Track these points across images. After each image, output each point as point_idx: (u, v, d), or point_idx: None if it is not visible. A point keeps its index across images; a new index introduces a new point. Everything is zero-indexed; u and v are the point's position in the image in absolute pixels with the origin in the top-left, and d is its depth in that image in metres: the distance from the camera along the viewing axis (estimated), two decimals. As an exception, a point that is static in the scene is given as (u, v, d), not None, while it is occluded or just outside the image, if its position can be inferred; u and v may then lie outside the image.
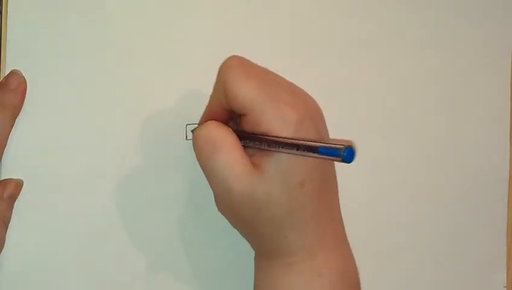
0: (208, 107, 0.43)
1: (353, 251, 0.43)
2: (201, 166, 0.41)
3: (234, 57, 0.41)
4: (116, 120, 0.48)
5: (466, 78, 0.54)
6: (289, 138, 0.38)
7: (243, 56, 0.41)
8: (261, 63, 0.42)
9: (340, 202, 0.43)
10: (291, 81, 0.42)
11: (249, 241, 0.43)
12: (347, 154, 0.34)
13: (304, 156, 0.38)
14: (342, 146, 0.35)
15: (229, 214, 0.42)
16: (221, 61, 0.41)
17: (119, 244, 0.48)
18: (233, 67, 0.40)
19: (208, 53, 0.48)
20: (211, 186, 0.41)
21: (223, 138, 0.40)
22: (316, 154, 0.36)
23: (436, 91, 0.54)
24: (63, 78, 0.47)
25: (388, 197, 0.53)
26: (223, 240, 0.49)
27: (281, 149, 0.38)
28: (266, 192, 0.39)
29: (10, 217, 0.46)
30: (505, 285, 0.55)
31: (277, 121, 0.39)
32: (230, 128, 0.41)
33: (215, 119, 0.42)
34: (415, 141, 0.53)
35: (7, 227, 0.45)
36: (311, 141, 0.37)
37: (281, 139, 0.38)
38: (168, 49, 0.49)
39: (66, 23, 0.47)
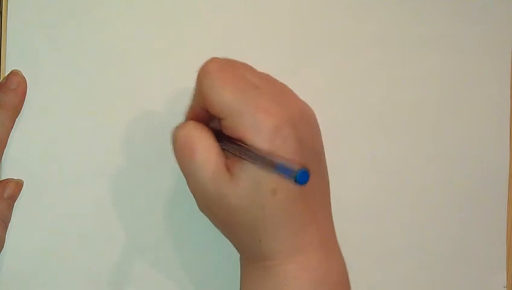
0: (190, 108, 0.43)
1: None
2: (179, 166, 0.41)
3: (213, 60, 0.40)
4: (116, 120, 0.48)
5: (466, 77, 0.54)
6: (253, 149, 0.38)
7: (223, 58, 0.41)
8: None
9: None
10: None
11: (232, 243, 0.43)
12: (299, 176, 0.34)
13: (264, 169, 0.37)
14: (297, 168, 0.34)
15: (209, 214, 0.42)
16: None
17: (119, 244, 0.48)
18: (211, 72, 0.40)
19: (207, 52, 0.48)
20: (189, 187, 0.41)
21: (200, 139, 0.40)
22: (274, 170, 0.36)
23: (436, 91, 0.54)
24: (63, 78, 0.47)
25: (387, 197, 0.53)
26: (222, 241, 0.49)
27: (247, 158, 0.38)
28: (237, 196, 0.39)
29: (10, 217, 0.46)
30: (505, 285, 0.55)
31: (251, 128, 0.38)
32: (208, 129, 0.41)
33: (198, 120, 0.41)
34: (415, 141, 0.53)
35: (7, 227, 0.45)
36: (269, 156, 0.37)
37: (248, 147, 0.38)
38: (167, 49, 0.49)
39: (66, 24, 0.47)
